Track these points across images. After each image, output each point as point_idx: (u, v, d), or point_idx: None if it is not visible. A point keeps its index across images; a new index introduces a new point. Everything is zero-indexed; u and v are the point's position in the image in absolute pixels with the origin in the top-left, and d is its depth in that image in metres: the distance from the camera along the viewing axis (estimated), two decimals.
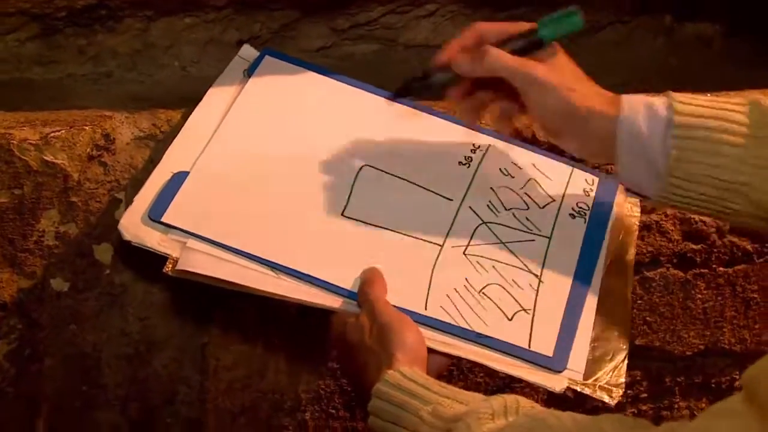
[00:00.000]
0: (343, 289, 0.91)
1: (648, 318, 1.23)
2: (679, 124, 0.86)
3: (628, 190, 1.04)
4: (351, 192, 0.98)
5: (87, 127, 0.99)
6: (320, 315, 1.09)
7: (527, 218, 1.00)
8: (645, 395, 1.29)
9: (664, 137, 0.87)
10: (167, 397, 1.08)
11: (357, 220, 0.97)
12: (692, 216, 1.20)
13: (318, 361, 1.12)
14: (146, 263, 1.01)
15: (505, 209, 1.01)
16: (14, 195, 0.96)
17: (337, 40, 1.23)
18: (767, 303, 1.29)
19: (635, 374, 1.27)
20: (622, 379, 0.94)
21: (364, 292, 0.90)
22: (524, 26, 0.94)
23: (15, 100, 1.05)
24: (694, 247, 1.22)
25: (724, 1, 1.33)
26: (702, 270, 1.24)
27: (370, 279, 0.91)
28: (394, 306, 0.90)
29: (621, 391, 0.94)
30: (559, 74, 0.91)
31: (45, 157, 0.97)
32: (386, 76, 1.16)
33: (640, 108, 0.88)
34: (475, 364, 1.00)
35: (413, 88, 1.00)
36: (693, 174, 0.87)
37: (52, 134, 0.97)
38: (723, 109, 0.87)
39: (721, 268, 1.24)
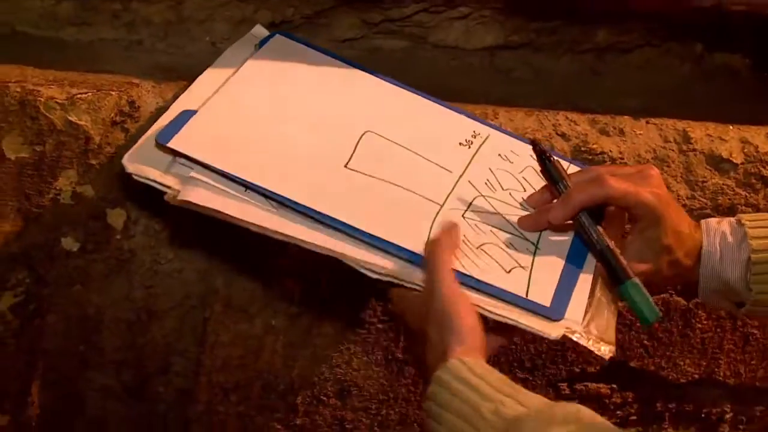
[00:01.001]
0: (343, 223, 0.90)
1: (645, 341, 1.24)
2: (756, 261, 0.94)
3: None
4: (355, 150, 0.99)
5: (113, 93, 1.00)
6: (321, 303, 1.10)
7: (524, 198, 1.01)
8: (635, 417, 1.29)
9: (744, 277, 0.95)
10: (162, 366, 1.09)
11: (360, 172, 0.98)
12: None
13: (314, 348, 1.13)
14: (157, 234, 1.03)
15: (503, 189, 1.02)
16: (35, 151, 0.98)
17: (368, 32, 1.23)
18: (767, 340, 1.29)
19: (627, 395, 1.27)
20: (613, 338, 0.94)
21: (430, 265, 0.88)
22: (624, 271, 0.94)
23: (46, 58, 1.06)
24: None
25: (755, 35, 1.33)
26: None
27: (435, 248, 0.89)
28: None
29: (613, 347, 0.93)
30: (659, 269, 0.95)
31: (69, 118, 0.98)
32: (412, 73, 1.17)
33: (717, 254, 0.96)
34: None
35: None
36: None
37: (79, 95, 0.98)
38: None
39: None
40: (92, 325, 1.05)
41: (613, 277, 0.93)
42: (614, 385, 1.26)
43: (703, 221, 0.98)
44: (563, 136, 1.14)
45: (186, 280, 1.07)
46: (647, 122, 1.18)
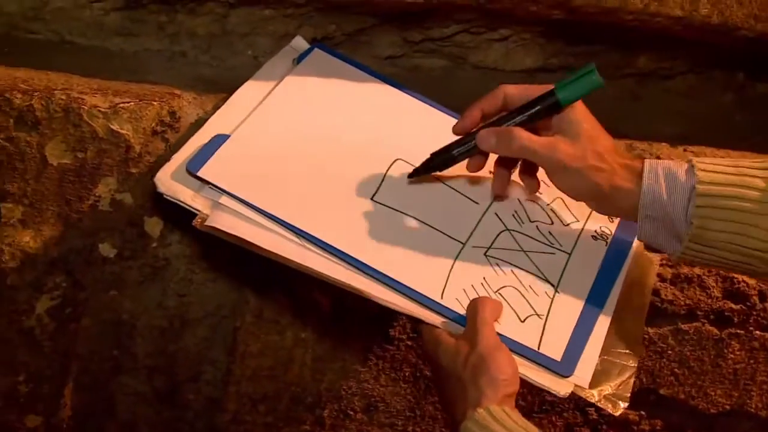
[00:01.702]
0: (362, 263, 0.93)
1: (676, 370, 1.23)
2: (701, 193, 0.87)
3: (647, 247, 1.05)
4: (382, 181, 1.01)
5: (155, 103, 1.01)
6: (350, 317, 1.11)
7: (550, 232, 1.02)
8: None
9: (685, 206, 0.89)
10: (193, 374, 1.10)
11: (386, 205, 0.99)
12: (736, 276, 1.20)
13: (343, 362, 1.14)
14: (192, 244, 1.04)
15: (530, 221, 1.03)
16: (77, 158, 0.99)
17: (408, 51, 1.24)
18: None
19: (655, 423, 1.26)
20: (628, 394, 0.96)
21: (473, 316, 0.90)
22: (546, 89, 0.94)
23: (92, 66, 1.08)
24: (734, 306, 1.21)
25: None
26: (738, 330, 1.23)
27: (481, 304, 0.91)
28: (419, 293, 0.93)
29: (626, 404, 0.95)
30: (582, 152, 0.91)
31: (111, 126, 1.00)
32: (450, 92, 1.17)
33: (662, 176, 0.90)
34: None
35: (435, 163, 1.00)
36: (713, 241, 0.88)
37: (121, 104, 1.00)
38: (744, 175, 0.88)
39: (758, 332, 1.23)
40: (126, 330, 1.07)
41: (551, 110, 0.92)
42: (643, 412, 1.26)
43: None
44: None
45: (219, 289, 1.08)
46: (685, 150, 1.18)
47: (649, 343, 1.20)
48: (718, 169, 0.89)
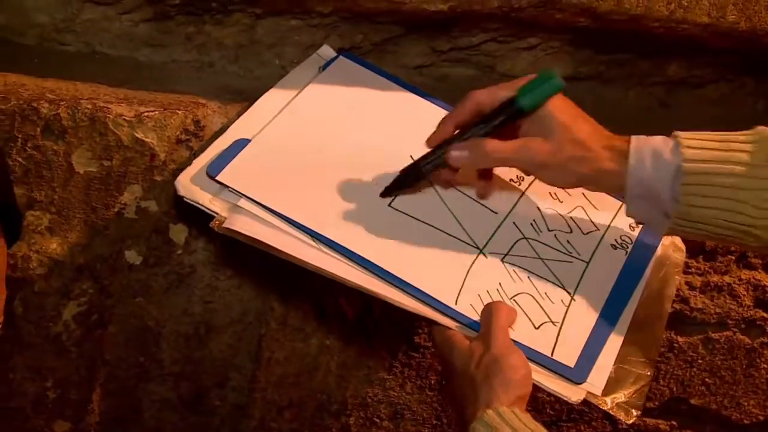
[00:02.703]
0: (376, 265, 0.93)
1: (707, 379, 1.21)
2: (687, 171, 0.87)
3: (637, 222, 1.05)
4: (400, 188, 1.01)
5: (180, 112, 1.03)
6: (375, 325, 1.11)
7: (569, 241, 1.02)
8: None
9: (672, 184, 0.88)
10: (218, 380, 1.11)
11: (403, 212, 0.99)
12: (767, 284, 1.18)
13: (368, 369, 1.14)
14: (217, 251, 1.05)
15: (548, 230, 1.02)
16: (103, 166, 1.01)
17: (436, 60, 1.24)
18: None
19: None
20: (641, 403, 0.95)
21: (487, 319, 0.90)
22: (515, 87, 0.93)
23: (119, 76, 1.10)
24: (765, 315, 1.19)
25: None
26: None
27: (496, 308, 0.91)
28: (432, 297, 0.93)
29: (638, 413, 0.94)
30: (559, 146, 0.91)
31: (136, 135, 1.01)
32: None
33: (647, 156, 0.89)
34: None
35: (404, 180, 0.99)
36: (701, 216, 0.88)
37: (147, 113, 1.01)
38: (730, 150, 0.87)
39: None
40: (152, 337, 1.08)
41: (515, 116, 0.92)
42: (674, 422, 1.24)
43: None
44: None
45: (243, 297, 1.08)
46: None
47: (678, 352, 1.19)
48: (704, 144, 0.88)
